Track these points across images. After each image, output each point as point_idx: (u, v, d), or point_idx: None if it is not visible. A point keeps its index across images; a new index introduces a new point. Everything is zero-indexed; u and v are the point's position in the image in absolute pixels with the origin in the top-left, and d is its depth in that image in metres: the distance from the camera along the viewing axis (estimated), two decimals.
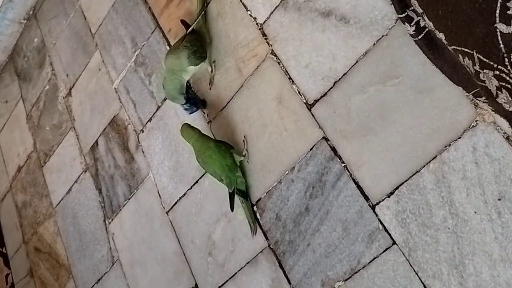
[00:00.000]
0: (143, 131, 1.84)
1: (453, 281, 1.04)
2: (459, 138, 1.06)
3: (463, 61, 0.65)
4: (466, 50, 0.62)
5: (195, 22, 1.55)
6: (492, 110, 0.76)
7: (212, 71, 1.57)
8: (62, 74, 2.31)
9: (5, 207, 2.54)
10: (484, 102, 0.82)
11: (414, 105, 1.13)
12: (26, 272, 2.32)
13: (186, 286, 1.60)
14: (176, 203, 1.67)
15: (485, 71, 0.61)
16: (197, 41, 1.52)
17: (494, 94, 0.61)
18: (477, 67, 0.62)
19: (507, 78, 0.58)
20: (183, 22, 1.62)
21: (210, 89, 1.58)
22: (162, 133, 1.75)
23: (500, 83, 0.60)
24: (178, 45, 1.51)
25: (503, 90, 0.60)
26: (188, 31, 1.54)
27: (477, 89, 0.78)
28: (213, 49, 1.59)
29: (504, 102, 0.60)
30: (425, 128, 1.11)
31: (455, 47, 0.64)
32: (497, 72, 0.59)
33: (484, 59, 0.60)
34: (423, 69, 1.12)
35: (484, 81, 0.63)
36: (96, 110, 2.07)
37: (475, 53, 0.60)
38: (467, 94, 0.85)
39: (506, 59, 0.57)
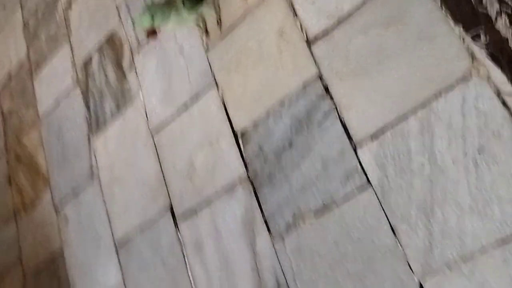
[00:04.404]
0: (139, 52, 1.81)
1: (420, 225, 1.07)
2: (451, 89, 1.06)
3: None
4: None
5: None
6: (488, 54, 0.76)
7: (216, 12, 1.53)
8: None
9: None
10: (481, 48, 0.81)
11: (413, 52, 1.13)
12: (5, 179, 2.33)
13: (161, 207, 1.62)
14: (162, 126, 1.68)
15: None
16: None
17: (494, 19, 0.61)
18: None
19: (508, 1, 0.58)
20: None
21: (221, 31, 1.53)
22: (158, 56, 1.73)
23: (501, 7, 0.60)
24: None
25: (503, 15, 0.60)
26: None
27: (477, 29, 0.78)
28: None
29: (502, 27, 0.61)
30: (419, 76, 1.11)
31: None
32: None
33: None
34: (429, 17, 1.11)
35: (486, 8, 0.63)
36: (94, 25, 2.03)
37: None
38: (465, 34, 0.85)
39: None
